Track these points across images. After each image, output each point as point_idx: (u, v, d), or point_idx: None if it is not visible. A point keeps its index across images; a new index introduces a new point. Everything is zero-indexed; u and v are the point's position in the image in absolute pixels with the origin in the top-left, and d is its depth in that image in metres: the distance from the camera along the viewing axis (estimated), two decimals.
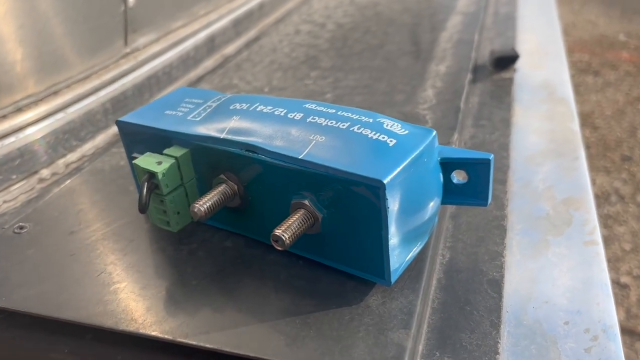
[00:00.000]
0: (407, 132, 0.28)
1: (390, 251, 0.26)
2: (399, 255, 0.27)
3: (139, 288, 0.29)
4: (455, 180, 0.30)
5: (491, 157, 0.29)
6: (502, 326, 0.28)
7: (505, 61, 0.56)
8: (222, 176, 0.30)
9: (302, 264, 0.30)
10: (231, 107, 0.32)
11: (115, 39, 0.51)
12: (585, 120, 1.99)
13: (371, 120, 0.29)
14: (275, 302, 0.27)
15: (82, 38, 0.46)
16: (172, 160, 0.30)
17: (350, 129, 0.28)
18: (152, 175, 0.29)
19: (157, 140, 0.32)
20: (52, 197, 0.37)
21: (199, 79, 0.58)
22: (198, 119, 0.32)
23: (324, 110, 0.30)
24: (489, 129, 0.46)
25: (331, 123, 0.28)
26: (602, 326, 0.28)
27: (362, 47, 0.63)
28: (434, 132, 0.29)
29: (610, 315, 0.29)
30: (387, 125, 0.28)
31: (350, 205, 0.26)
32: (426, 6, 0.78)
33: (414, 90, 0.50)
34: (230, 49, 0.65)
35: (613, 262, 1.39)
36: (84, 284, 0.29)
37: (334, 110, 0.30)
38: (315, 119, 0.29)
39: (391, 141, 0.27)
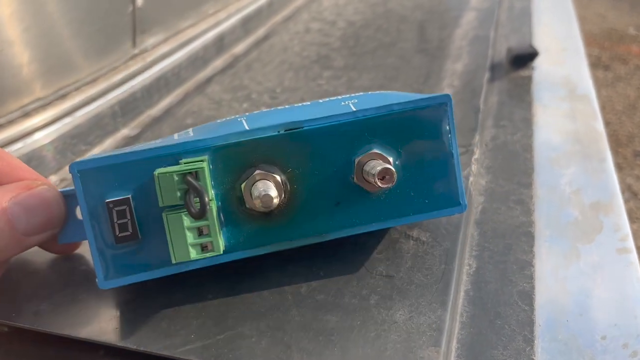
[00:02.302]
0: (397, 92, 0.30)
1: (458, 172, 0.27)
2: (460, 176, 0.27)
3: (152, 302, 0.27)
4: None
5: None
6: (535, 341, 0.26)
7: (524, 59, 0.55)
8: (258, 171, 0.25)
9: (323, 274, 0.28)
10: (220, 122, 0.29)
11: (124, 40, 0.49)
12: None
13: (368, 92, 0.30)
14: (296, 318, 0.26)
15: (89, 39, 0.45)
16: (205, 157, 0.25)
17: (369, 94, 0.29)
18: (191, 175, 0.24)
19: (148, 169, 0.25)
20: None
21: (208, 80, 0.57)
22: (192, 134, 0.27)
23: (322, 100, 0.30)
24: (510, 129, 0.44)
25: (345, 97, 0.28)
26: None
27: (374, 45, 0.61)
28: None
29: None
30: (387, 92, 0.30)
31: (414, 139, 0.26)
32: (438, 2, 0.77)
33: (431, 90, 0.49)
34: (239, 48, 0.64)
35: None
36: (95, 298, 0.28)
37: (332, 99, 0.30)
38: (326, 100, 0.28)
39: (406, 94, 0.28)
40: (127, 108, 0.49)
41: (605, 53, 2.50)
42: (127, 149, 0.26)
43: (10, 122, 0.40)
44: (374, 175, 0.25)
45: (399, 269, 0.28)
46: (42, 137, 0.41)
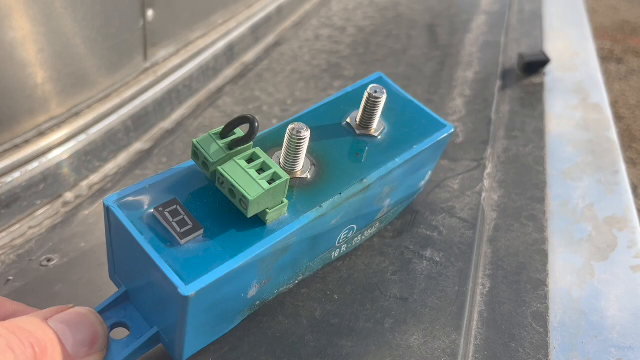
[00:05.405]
0: None
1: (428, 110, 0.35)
2: (430, 111, 0.34)
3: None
4: None
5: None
6: None
7: (535, 66, 0.54)
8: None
9: (337, 298, 0.29)
10: None
11: (135, 54, 0.50)
12: None
13: None
14: (311, 343, 0.26)
15: (102, 56, 0.45)
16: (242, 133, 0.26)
17: None
18: (239, 141, 0.25)
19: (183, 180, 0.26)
20: (78, 224, 0.37)
21: (219, 90, 0.57)
22: None
23: None
24: (523, 140, 0.44)
25: None
26: None
27: (384, 53, 0.61)
28: None
29: None
30: None
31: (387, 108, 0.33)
32: (448, 5, 0.76)
33: (442, 99, 0.49)
34: (249, 56, 0.64)
35: None
36: None
37: None
38: None
39: None
40: (139, 122, 0.49)
41: (618, 46, 2.47)
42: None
43: (26, 142, 0.40)
44: (365, 101, 0.30)
45: (412, 291, 0.29)
46: (57, 155, 0.41)
